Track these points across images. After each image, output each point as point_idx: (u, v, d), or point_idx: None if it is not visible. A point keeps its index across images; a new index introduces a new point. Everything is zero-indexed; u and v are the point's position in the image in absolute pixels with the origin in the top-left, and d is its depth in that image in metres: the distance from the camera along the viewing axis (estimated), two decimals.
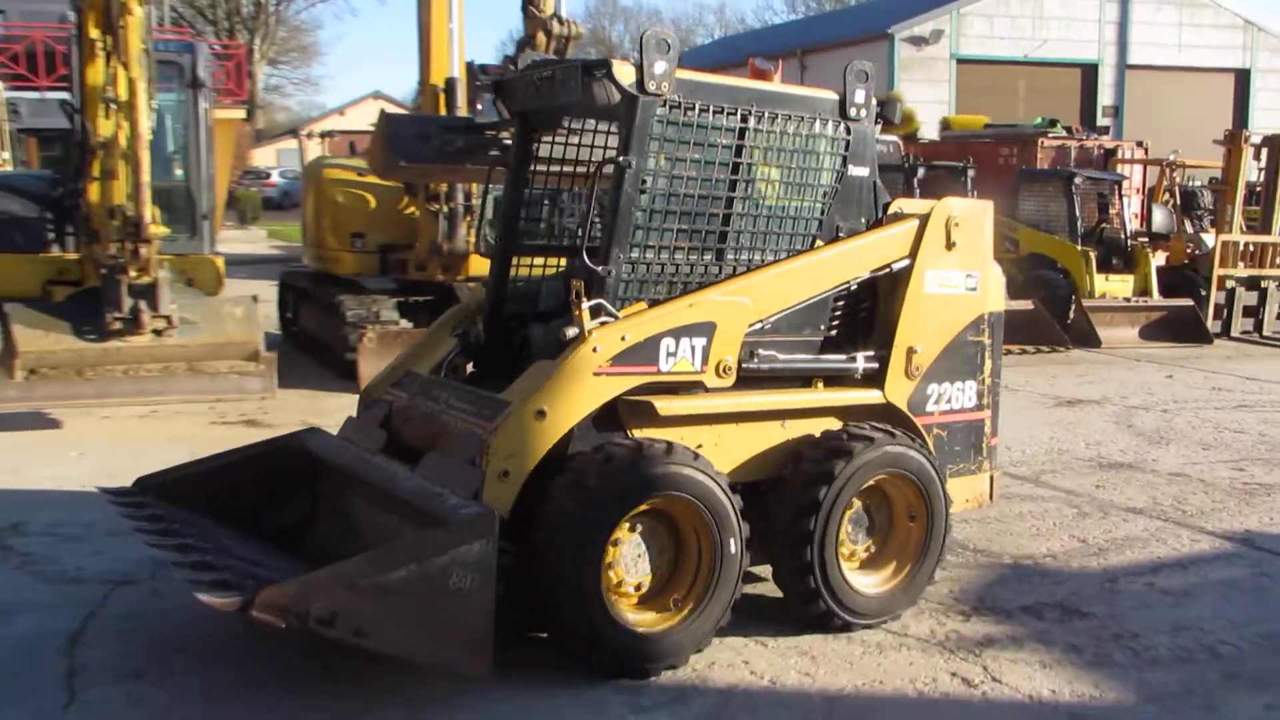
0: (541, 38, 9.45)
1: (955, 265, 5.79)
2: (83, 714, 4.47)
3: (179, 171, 12.31)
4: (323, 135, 33.51)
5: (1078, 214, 17.48)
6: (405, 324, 11.56)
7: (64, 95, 12.22)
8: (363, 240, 12.68)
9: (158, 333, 10.13)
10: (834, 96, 5.56)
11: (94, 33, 10.05)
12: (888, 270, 5.66)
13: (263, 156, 55.18)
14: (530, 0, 9.83)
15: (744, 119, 5.29)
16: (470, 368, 5.90)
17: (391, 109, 21.68)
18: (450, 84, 11.66)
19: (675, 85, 5.03)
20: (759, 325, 5.32)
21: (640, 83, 4.94)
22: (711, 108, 5.20)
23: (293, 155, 51.45)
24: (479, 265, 10.98)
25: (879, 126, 5.78)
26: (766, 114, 5.35)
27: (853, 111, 5.58)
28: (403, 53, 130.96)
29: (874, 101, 5.66)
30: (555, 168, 5.91)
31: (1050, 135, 22.21)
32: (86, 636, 5.24)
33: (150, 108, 9.59)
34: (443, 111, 11.35)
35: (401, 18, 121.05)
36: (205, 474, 5.70)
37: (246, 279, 18.47)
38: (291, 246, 28.83)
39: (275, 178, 48.97)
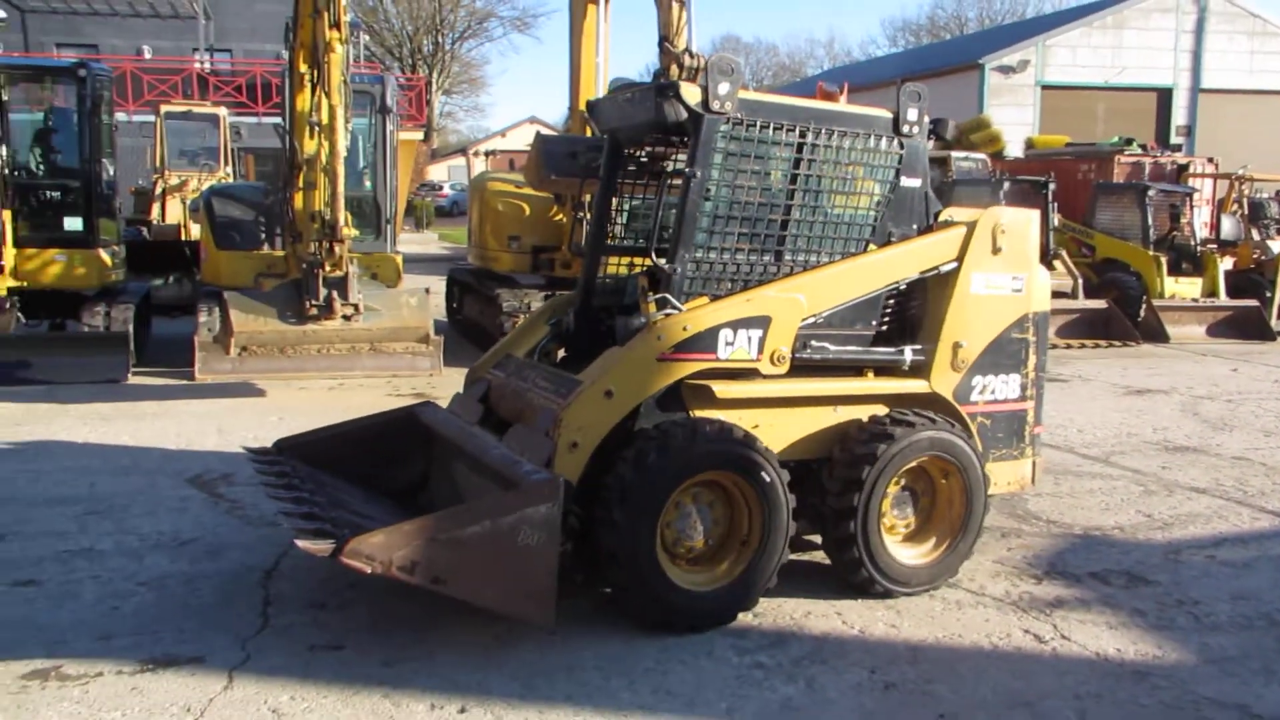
0: (675, 70, 9.36)
1: (1001, 269, 5.53)
2: (274, 637, 4.61)
3: (368, 184, 12.63)
4: (487, 154, 34.08)
5: (1150, 222, 16.76)
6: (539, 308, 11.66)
7: (276, 120, 12.64)
8: (518, 242, 12.84)
9: (347, 318, 10.45)
10: (888, 115, 5.36)
11: (303, 67, 10.40)
12: (936, 272, 5.44)
13: (436, 172, 56.44)
14: (665, 37, 9.75)
15: (803, 134, 5.15)
16: (562, 353, 5.87)
17: (545, 131, 21.90)
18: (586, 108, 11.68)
19: (738, 104, 4.94)
20: (812, 319, 5.17)
21: (705, 102, 4.86)
22: (772, 124, 5.07)
23: (461, 171, 52.55)
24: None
25: (933, 142, 5.56)
26: (824, 130, 5.19)
27: (905, 128, 5.38)
28: (556, 83, 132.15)
29: (927, 119, 5.44)
30: (638, 179, 5.87)
31: (1126, 153, 21.27)
32: (280, 572, 5.41)
33: (347, 130, 9.86)
34: (589, 133, 11.40)
35: (555, 52, 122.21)
36: (335, 437, 5.79)
37: (420, 274, 18.87)
38: (458, 247, 29.41)
39: (446, 189, 50.04)
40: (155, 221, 17.98)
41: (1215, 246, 17.25)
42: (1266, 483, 7.66)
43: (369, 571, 4.03)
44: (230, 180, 18.67)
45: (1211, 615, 5.17)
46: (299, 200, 10.70)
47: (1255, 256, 17.39)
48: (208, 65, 29.87)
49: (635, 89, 5.29)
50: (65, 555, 5.57)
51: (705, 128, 4.90)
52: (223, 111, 20.14)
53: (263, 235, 12.23)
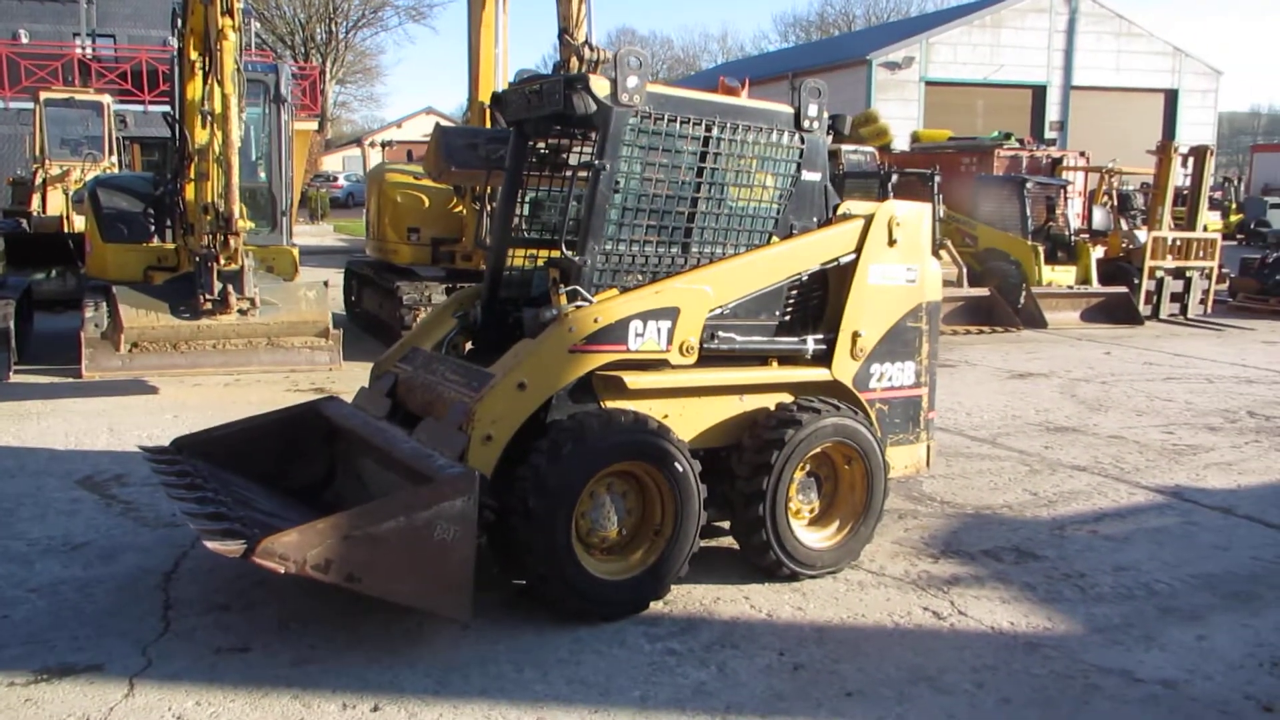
0: (574, 62, 9.29)
1: (896, 260, 5.66)
2: (176, 641, 4.43)
3: (262, 174, 12.22)
4: (383, 144, 33.34)
5: (1028, 214, 17.35)
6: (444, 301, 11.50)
7: (164, 108, 12.13)
8: (418, 234, 12.60)
9: (243, 312, 10.09)
10: (790, 110, 5.42)
11: (193, 55, 9.99)
12: (835, 263, 5.53)
13: (331, 163, 55.07)
14: (565, 30, 9.68)
15: (708, 128, 5.16)
16: (470, 346, 5.80)
17: (443, 122, 21.54)
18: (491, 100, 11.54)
19: (646, 98, 4.93)
20: (719, 310, 5.20)
21: (614, 95, 4.84)
22: (679, 118, 5.07)
23: (356, 161, 51.38)
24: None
25: (831, 136, 5.64)
26: (729, 124, 5.22)
27: (806, 123, 5.44)
28: (452, 73, 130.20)
29: (826, 115, 5.52)
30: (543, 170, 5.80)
31: (1005, 147, 21.97)
32: (179, 574, 5.20)
33: (240, 120, 9.50)
34: (488, 124, 11.24)
35: (451, 43, 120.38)
36: (235, 434, 5.58)
37: (317, 267, 18.39)
38: (354, 239, 28.77)
39: (341, 181, 48.89)
40: (35, 213, 17.09)
41: (1088, 236, 17.96)
42: (1141, 460, 8.02)
43: (282, 571, 3.90)
44: (116, 170, 17.87)
45: (1096, 587, 5.38)
46: (190, 191, 10.28)
47: (1124, 245, 18.15)
48: (90, 51, 28.51)
49: (542, 81, 5.22)
50: None
51: (614, 120, 4.86)
52: (107, 99, 19.22)
53: (152, 227, 11.70)
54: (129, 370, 9.86)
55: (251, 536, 4.03)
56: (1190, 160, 18.20)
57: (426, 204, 12.58)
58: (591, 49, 9.45)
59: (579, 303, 4.87)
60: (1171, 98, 42.98)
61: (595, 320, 4.79)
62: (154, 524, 5.92)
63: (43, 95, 18.82)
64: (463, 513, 4.18)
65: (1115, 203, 19.57)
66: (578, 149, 5.72)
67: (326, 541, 3.96)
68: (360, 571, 4.05)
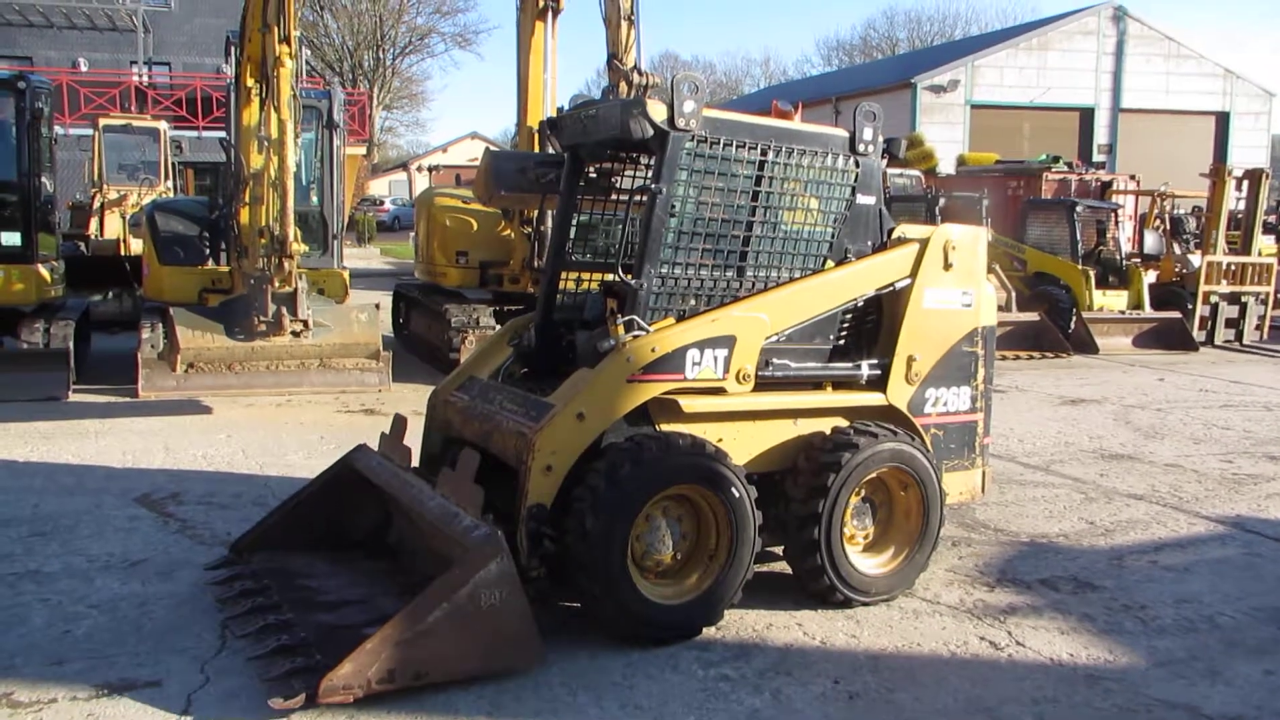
0: (623, 87, 9.37)
1: (952, 284, 5.62)
2: (233, 658, 4.47)
3: (314, 198, 12.42)
4: (429, 169, 33.78)
5: (1078, 237, 17.16)
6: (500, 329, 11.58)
7: (219, 134, 12.38)
8: (466, 257, 12.72)
9: (296, 334, 10.27)
10: (845, 134, 5.41)
11: (250, 81, 10.22)
12: (891, 288, 5.50)
13: (377, 187, 55.84)
14: (615, 55, 9.78)
15: (764, 152, 5.17)
16: (525, 370, 5.81)
17: (492, 147, 21.77)
18: (544, 125, 11.64)
19: (702, 122, 4.94)
20: (775, 337, 5.18)
21: (671, 119, 4.86)
22: (735, 142, 5.08)
23: (402, 185, 52.12)
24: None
25: (886, 160, 5.62)
26: (784, 148, 5.22)
27: (861, 147, 5.43)
28: (497, 98, 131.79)
29: (881, 139, 5.51)
30: (599, 194, 5.81)
31: (1053, 170, 21.77)
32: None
33: (295, 145, 9.69)
34: (537, 149, 11.34)
35: (496, 69, 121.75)
36: (286, 515, 5.60)
37: (364, 289, 18.61)
38: (401, 262, 29.11)
39: (388, 204, 49.53)
40: (93, 236, 17.50)
41: (1139, 260, 17.71)
42: (1199, 489, 7.86)
43: (353, 700, 3.97)
44: (171, 195, 18.26)
45: (1157, 619, 5.27)
46: (245, 215, 10.49)
47: (1177, 270, 17.88)
48: (146, 78, 29.21)
49: (598, 105, 5.26)
50: (11, 578, 5.35)
51: (671, 145, 4.89)
52: (163, 125, 19.70)
53: (207, 250, 11.96)
54: (184, 390, 10.05)
55: (314, 665, 4.12)
56: (1244, 183, 17.91)
57: (475, 227, 12.70)
58: (640, 74, 9.55)
59: (636, 332, 4.87)
60: (1223, 120, 42.32)
61: (653, 350, 4.80)
62: (210, 541, 5.99)
63: (101, 122, 19.33)
64: (500, 574, 4.21)
65: (1168, 226, 19.28)
66: (630, 173, 5.75)
67: (382, 656, 4.01)
68: (425, 668, 4.11)
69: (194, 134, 26.90)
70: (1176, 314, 16.52)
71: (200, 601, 5.10)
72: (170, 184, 19.26)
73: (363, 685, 3.98)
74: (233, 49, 10.97)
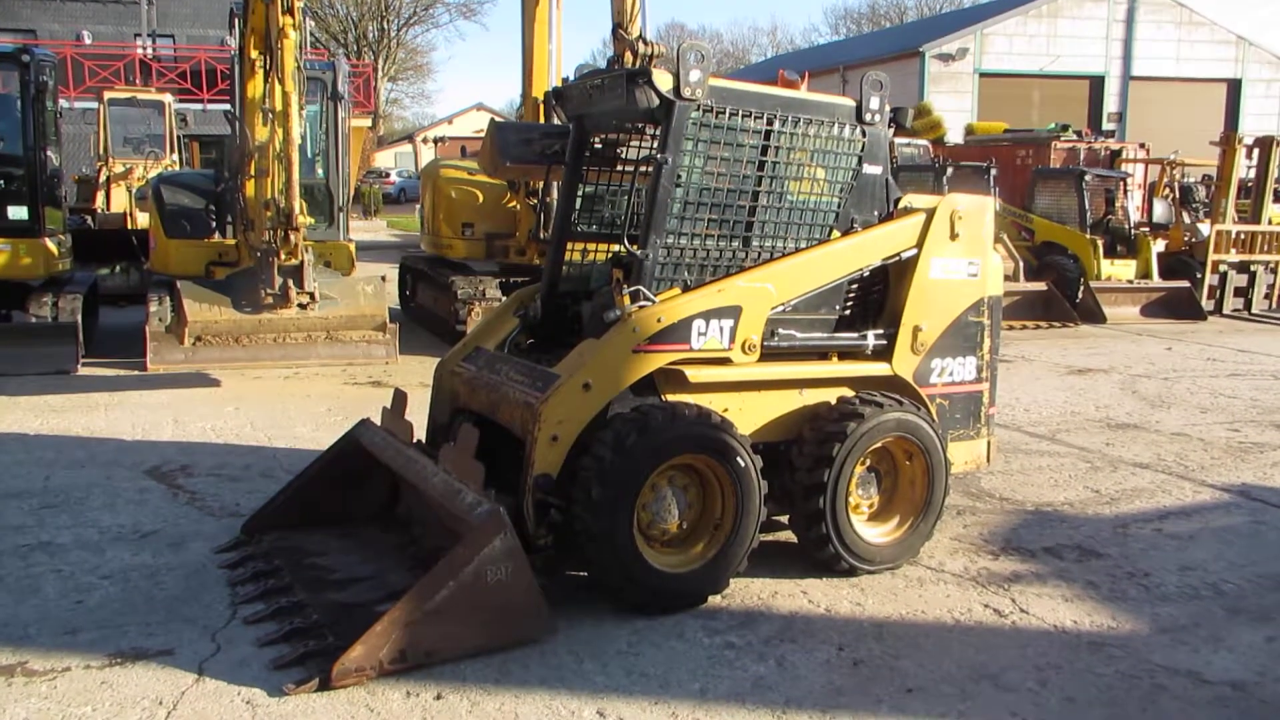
0: (629, 57, 9.29)
1: (958, 254, 5.59)
2: (243, 628, 4.51)
3: (320, 171, 12.41)
4: (435, 141, 33.65)
5: (1087, 207, 17.07)
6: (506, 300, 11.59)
7: (224, 107, 12.36)
8: (472, 229, 12.71)
9: (303, 306, 10.28)
10: (851, 103, 5.37)
11: (254, 54, 10.18)
12: (897, 258, 5.48)
13: (382, 159, 55.66)
14: (619, 25, 9.69)
15: (770, 122, 5.13)
16: (530, 340, 5.82)
17: (495, 118, 21.66)
18: (549, 96, 11.58)
19: (708, 91, 4.91)
20: (781, 307, 5.17)
21: (677, 89, 4.83)
22: (741, 112, 5.05)
23: (408, 158, 51.92)
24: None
25: (892, 130, 5.58)
26: (790, 118, 5.18)
27: (868, 116, 5.39)
28: (502, 69, 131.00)
29: (887, 108, 5.46)
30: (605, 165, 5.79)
31: (1062, 139, 21.63)
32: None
33: (300, 117, 9.66)
34: (542, 120, 11.29)
35: (501, 40, 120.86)
36: (296, 493, 5.62)
37: (371, 262, 18.63)
38: (407, 235, 29.10)
39: (393, 177, 49.41)
40: (100, 210, 17.54)
41: (1148, 229, 17.62)
42: (1205, 457, 7.86)
43: (366, 681, 4.02)
44: (177, 168, 18.25)
45: (1161, 586, 5.29)
46: (251, 188, 10.48)
47: (1186, 239, 17.80)
48: (150, 51, 29.09)
49: (604, 75, 5.23)
50: (24, 550, 5.41)
51: (677, 114, 4.86)
52: (168, 98, 19.66)
53: (213, 223, 11.96)
54: (192, 363, 10.09)
55: (326, 648, 4.17)
56: (1255, 152, 17.77)
57: (480, 199, 12.69)
58: (646, 44, 9.44)
59: (642, 302, 4.88)
60: (1235, 88, 41.91)
61: (659, 320, 4.80)
62: (219, 514, 6.04)
63: (106, 95, 19.29)
64: (505, 550, 4.24)
65: (1177, 195, 19.18)
66: (636, 143, 5.73)
67: (392, 637, 4.05)
68: (435, 646, 4.15)
69: (199, 107, 26.82)
70: (1185, 283, 16.47)
71: (210, 572, 5.15)
72: (176, 157, 19.24)
73: (375, 667, 4.03)
74: (236, 21, 10.90)
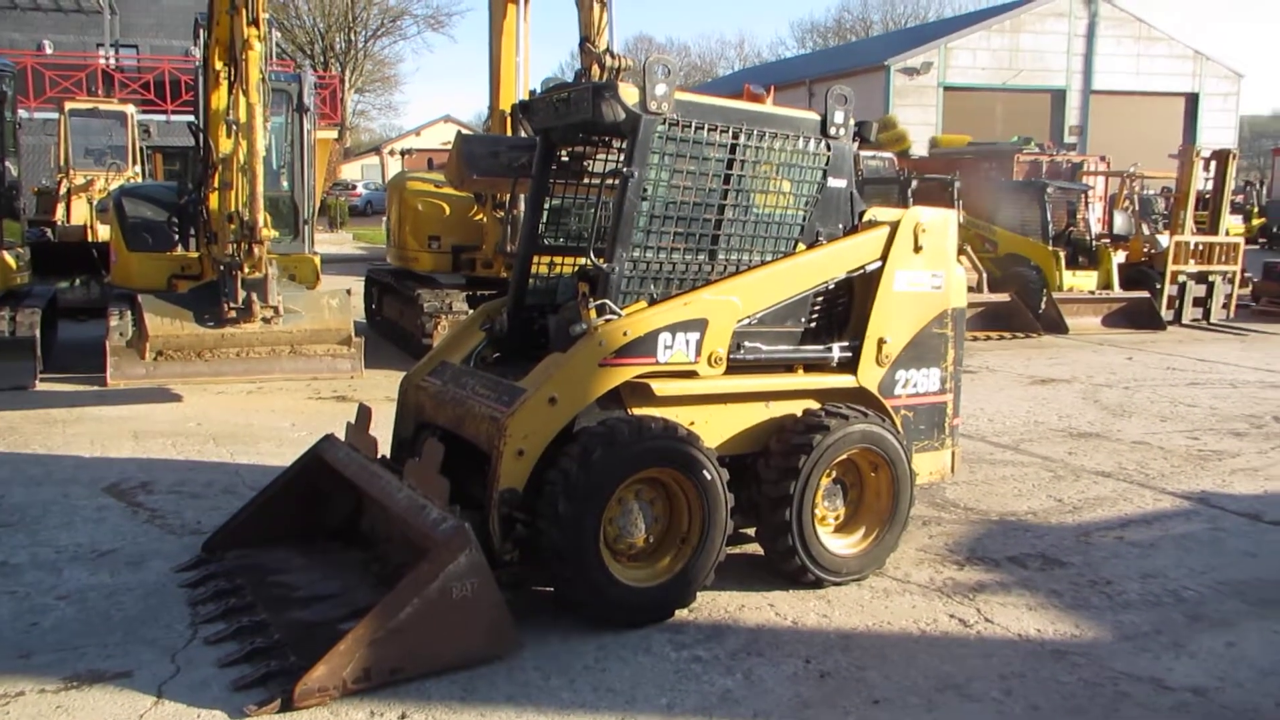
0: (596, 70, 9.32)
1: (922, 266, 5.63)
2: (204, 648, 4.44)
3: (285, 183, 12.31)
4: (402, 153, 33.51)
5: (1049, 219, 17.28)
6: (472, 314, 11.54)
7: (188, 118, 12.23)
8: (438, 242, 12.65)
9: (266, 320, 10.16)
10: (816, 117, 5.41)
11: (218, 65, 10.08)
12: (862, 271, 5.52)
13: (349, 171, 55.34)
14: (587, 38, 9.73)
15: (735, 136, 5.15)
16: (497, 354, 5.78)
17: (464, 131, 21.59)
18: (515, 109, 11.58)
19: (674, 105, 4.92)
20: (747, 320, 5.19)
21: (643, 103, 4.84)
22: (706, 125, 5.07)
23: (375, 170, 51.64)
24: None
25: (857, 143, 5.63)
26: (756, 131, 5.21)
27: (833, 130, 5.43)
28: (470, 82, 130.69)
29: (852, 122, 5.50)
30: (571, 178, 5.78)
31: (1025, 151, 21.90)
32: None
33: (265, 129, 9.58)
34: (510, 132, 11.28)
35: (469, 52, 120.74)
36: (256, 512, 5.53)
37: (336, 275, 18.49)
38: (373, 247, 28.92)
39: (360, 189, 49.16)
40: (60, 222, 17.28)
41: (1109, 241, 17.88)
42: (1165, 465, 7.96)
43: (329, 701, 3.96)
44: (139, 180, 18.03)
45: (1123, 594, 5.34)
46: (214, 200, 10.37)
47: (1146, 250, 18.04)
48: (113, 61, 28.78)
49: (570, 89, 5.23)
50: None
51: (643, 128, 4.87)
52: (130, 109, 19.44)
53: (176, 236, 11.82)
54: (153, 378, 9.94)
55: (288, 668, 4.09)
56: (1212, 164, 18.08)
57: (447, 212, 12.64)
58: (613, 56, 9.50)
59: (608, 316, 4.87)
60: (1192, 101, 42.73)
61: (625, 334, 4.80)
62: (180, 531, 5.95)
63: (67, 105, 19.05)
64: (470, 566, 4.20)
65: (1136, 207, 19.47)
66: (603, 157, 5.73)
67: (356, 656, 3.99)
68: (400, 664, 4.10)
69: (162, 118, 26.56)
70: (1145, 294, 16.68)
71: (170, 592, 5.06)
72: (138, 169, 19.01)
73: (338, 686, 3.98)
74: (201, 31, 10.82)
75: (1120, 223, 18.34)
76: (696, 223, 5.16)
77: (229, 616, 4.70)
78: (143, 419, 8.76)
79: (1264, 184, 40.34)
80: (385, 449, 5.70)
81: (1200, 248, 17.14)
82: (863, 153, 20.62)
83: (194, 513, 6.28)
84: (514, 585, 4.76)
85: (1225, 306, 17.38)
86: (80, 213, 17.25)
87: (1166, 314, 16.68)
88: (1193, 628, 4.94)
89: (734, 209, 5.24)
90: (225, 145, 10.00)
